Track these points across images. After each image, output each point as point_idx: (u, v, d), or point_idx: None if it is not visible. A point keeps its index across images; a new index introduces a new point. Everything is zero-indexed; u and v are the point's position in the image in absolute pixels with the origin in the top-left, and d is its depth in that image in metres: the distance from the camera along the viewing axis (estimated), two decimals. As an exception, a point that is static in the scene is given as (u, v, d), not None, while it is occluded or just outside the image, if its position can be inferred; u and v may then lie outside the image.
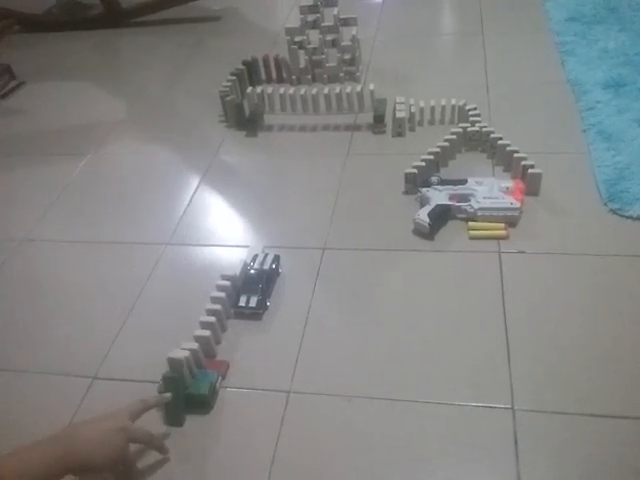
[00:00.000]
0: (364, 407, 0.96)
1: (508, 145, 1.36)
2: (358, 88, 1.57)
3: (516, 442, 0.88)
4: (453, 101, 1.55)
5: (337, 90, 1.58)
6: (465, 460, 0.87)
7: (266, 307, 1.13)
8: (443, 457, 0.88)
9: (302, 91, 1.61)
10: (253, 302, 1.10)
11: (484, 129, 1.43)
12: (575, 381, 0.95)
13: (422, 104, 1.58)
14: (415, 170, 1.33)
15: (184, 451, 0.93)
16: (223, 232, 1.36)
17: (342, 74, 1.82)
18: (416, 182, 1.34)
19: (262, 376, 1.03)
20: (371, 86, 1.57)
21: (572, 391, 0.93)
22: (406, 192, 1.36)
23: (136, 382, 1.04)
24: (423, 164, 1.35)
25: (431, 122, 1.58)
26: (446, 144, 1.40)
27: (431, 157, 1.37)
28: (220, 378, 1.01)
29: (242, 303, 1.10)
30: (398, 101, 1.57)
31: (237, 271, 1.13)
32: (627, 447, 0.86)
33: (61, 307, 1.22)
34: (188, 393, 0.97)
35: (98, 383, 1.06)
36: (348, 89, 1.58)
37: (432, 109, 1.57)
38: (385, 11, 2.23)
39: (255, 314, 1.11)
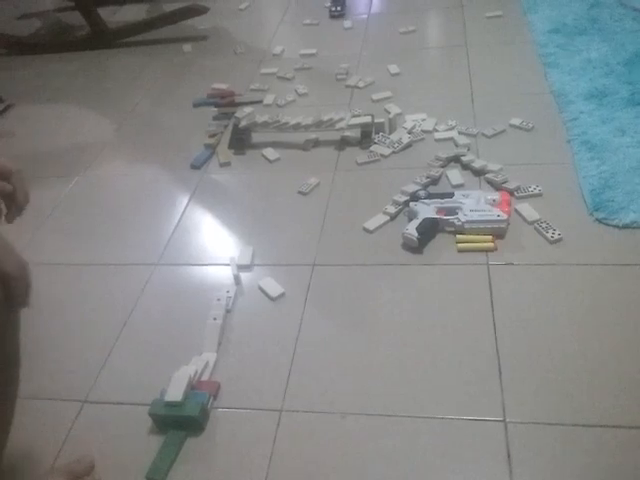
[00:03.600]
0: (357, 423, 0.96)
1: (494, 173, 1.38)
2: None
3: (509, 454, 0.88)
4: (442, 128, 1.58)
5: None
6: (458, 474, 0.87)
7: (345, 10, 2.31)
8: (436, 471, 0.88)
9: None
10: (339, 8, 2.27)
11: (472, 164, 1.43)
12: (567, 392, 0.95)
13: (412, 123, 1.59)
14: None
15: (176, 473, 0.93)
16: (212, 251, 1.36)
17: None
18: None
19: (254, 395, 1.02)
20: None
21: (564, 402, 0.93)
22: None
23: (127, 405, 1.04)
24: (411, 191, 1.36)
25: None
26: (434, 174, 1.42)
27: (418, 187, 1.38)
28: (211, 398, 1.01)
29: (333, 9, 2.30)
30: (386, 112, 1.59)
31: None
32: (621, 457, 0.86)
33: (49, 330, 1.22)
34: (179, 415, 0.97)
35: (89, 407, 1.05)
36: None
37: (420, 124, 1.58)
38: (370, 26, 2.25)
39: (340, 14, 2.29)
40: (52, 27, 2.76)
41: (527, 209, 1.29)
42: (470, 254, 1.22)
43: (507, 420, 0.92)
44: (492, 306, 1.11)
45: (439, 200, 1.30)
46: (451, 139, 1.54)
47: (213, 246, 1.38)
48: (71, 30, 2.65)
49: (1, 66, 2.41)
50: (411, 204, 1.31)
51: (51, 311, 1.27)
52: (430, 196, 1.32)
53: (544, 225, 1.24)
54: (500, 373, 0.99)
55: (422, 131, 1.59)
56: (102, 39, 2.46)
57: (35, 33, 2.71)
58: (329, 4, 2.40)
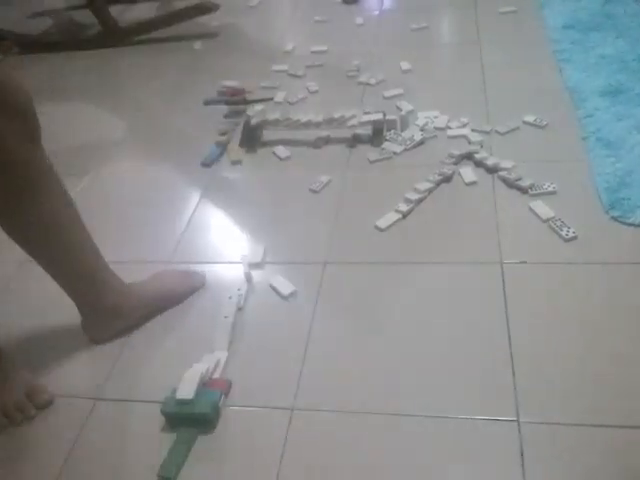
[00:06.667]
0: (368, 423, 0.95)
1: (507, 170, 1.37)
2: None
3: (522, 454, 0.87)
4: (455, 125, 1.56)
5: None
6: (471, 474, 0.87)
7: None
8: (449, 471, 0.87)
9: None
10: None
11: (485, 161, 1.41)
12: (580, 392, 0.94)
13: (424, 121, 1.58)
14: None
15: (187, 471, 0.93)
16: (224, 249, 1.36)
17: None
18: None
19: (265, 393, 1.02)
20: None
21: (577, 402, 0.93)
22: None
23: (139, 402, 1.04)
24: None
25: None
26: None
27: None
28: (223, 396, 1.01)
29: None
30: (397, 109, 1.58)
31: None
32: (634, 457, 0.85)
33: (62, 328, 1.22)
34: (190, 413, 0.97)
35: (101, 404, 1.05)
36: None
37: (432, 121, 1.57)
38: (381, 23, 2.24)
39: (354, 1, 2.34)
40: (63, 25, 2.77)
41: (541, 207, 1.27)
42: (483, 252, 1.21)
43: (520, 420, 0.91)
44: (506, 305, 1.09)
45: None
46: (464, 136, 1.53)
47: (224, 244, 1.37)
48: (82, 28, 2.65)
49: (11, 65, 2.42)
50: None
51: (63, 309, 1.26)
52: None
53: (558, 223, 1.22)
54: (514, 373, 0.98)
55: (434, 128, 1.58)
56: (113, 37, 2.46)
57: (46, 31, 2.72)
58: None
